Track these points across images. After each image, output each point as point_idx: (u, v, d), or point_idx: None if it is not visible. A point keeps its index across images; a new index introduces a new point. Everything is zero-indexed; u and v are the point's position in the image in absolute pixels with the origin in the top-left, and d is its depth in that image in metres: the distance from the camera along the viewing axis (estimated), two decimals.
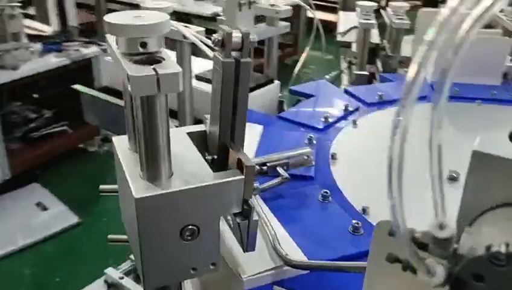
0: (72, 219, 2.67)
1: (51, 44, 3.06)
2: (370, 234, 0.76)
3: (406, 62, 1.61)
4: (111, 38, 0.58)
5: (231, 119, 0.62)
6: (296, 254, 0.67)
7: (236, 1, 1.15)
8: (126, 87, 0.58)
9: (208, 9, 4.02)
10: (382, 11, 1.91)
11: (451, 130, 1.08)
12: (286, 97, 1.45)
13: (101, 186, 0.78)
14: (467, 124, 1.14)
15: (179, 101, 1.18)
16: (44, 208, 2.75)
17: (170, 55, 0.54)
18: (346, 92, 1.31)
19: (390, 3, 1.69)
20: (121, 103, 1.41)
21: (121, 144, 0.64)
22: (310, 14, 4.78)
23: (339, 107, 1.20)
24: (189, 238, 0.58)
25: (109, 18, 0.52)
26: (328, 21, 5.81)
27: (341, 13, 2.67)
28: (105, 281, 1.35)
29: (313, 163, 0.88)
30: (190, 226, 0.57)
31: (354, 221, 0.75)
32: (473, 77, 1.26)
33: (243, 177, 0.58)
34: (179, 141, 0.63)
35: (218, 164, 0.63)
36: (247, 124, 0.64)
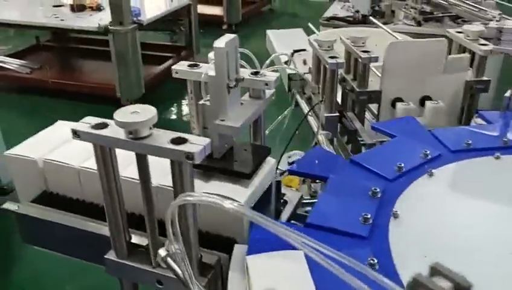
0: None
1: None
2: None
3: (375, 98, 1.47)
4: None
5: None
6: None
7: (224, 86, 0.90)
8: None
9: (91, 22, 3.52)
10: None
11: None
12: None
13: None
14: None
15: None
16: None
17: None
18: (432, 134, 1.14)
19: (347, 33, 1.51)
20: (75, 221, 1.04)
21: None
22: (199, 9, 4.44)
23: (417, 153, 1.03)
24: None
25: None
26: (215, 15, 5.53)
27: (269, 32, 2.31)
28: None
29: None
30: None
31: None
32: None
33: None
34: None
35: None
36: None
